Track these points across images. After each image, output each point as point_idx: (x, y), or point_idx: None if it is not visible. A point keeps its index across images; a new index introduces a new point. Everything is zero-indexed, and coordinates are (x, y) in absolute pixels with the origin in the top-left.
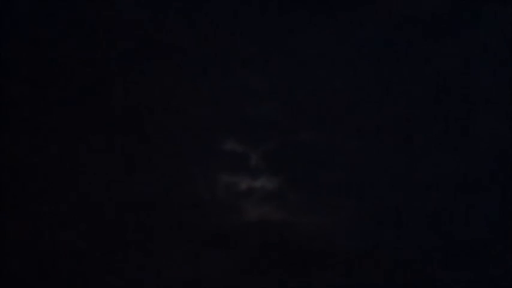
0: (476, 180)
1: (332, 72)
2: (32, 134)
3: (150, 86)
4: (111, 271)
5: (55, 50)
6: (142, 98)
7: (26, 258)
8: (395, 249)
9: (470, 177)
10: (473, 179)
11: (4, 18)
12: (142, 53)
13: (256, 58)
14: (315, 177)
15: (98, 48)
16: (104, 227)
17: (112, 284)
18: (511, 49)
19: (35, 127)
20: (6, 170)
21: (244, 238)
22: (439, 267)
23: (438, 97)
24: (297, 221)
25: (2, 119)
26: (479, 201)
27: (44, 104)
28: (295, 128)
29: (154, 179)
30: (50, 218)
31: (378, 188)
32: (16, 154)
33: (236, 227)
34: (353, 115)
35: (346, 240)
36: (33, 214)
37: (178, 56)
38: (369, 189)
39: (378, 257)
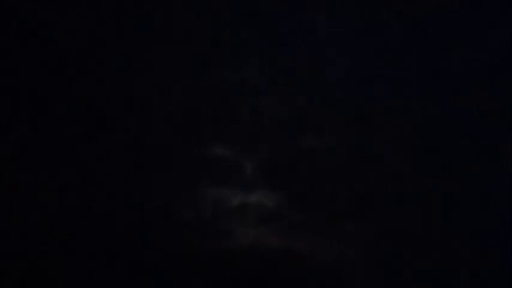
0: None
1: (340, 64)
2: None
3: (131, 81)
4: None
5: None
6: (122, 92)
7: None
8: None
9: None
10: None
11: None
12: (127, 46)
13: (253, 49)
14: (323, 193)
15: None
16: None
17: None
18: None
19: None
20: None
21: (233, 270)
22: None
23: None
24: (300, 248)
25: None
26: None
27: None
28: (299, 130)
29: (120, 192)
30: None
31: (403, 208)
32: None
33: (224, 255)
34: (365, 115)
35: (358, 277)
36: None
37: (167, 48)
38: (391, 210)
39: None
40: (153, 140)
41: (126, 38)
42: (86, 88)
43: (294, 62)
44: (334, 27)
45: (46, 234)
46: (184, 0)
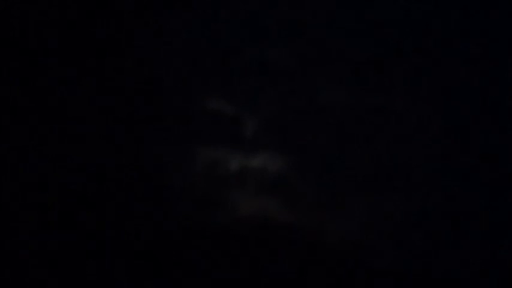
0: None
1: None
2: None
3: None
4: None
5: None
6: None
7: None
8: (442, 269)
9: None
10: None
11: None
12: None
13: None
14: (338, 158)
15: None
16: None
17: None
18: None
19: None
20: None
21: (231, 245)
22: None
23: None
24: (309, 222)
25: None
26: None
27: None
28: (312, 81)
29: (105, 152)
30: None
31: (427, 180)
32: None
33: (220, 228)
34: (383, 67)
35: (376, 255)
36: None
37: None
38: (415, 181)
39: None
40: (141, 91)
41: None
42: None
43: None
44: None
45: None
46: None
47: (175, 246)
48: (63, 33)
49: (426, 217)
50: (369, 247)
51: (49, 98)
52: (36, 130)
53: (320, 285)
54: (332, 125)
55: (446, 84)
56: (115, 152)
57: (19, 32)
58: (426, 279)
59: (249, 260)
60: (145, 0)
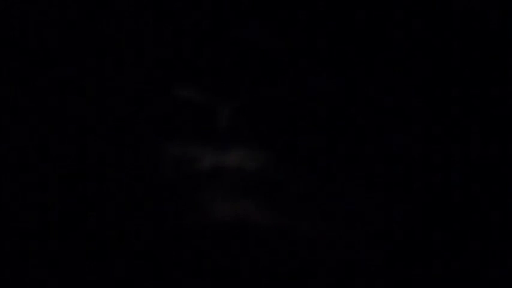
0: None
1: None
2: None
3: None
4: None
5: None
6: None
7: None
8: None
9: None
10: None
11: None
12: None
13: None
14: (321, 151)
15: None
16: None
17: None
18: None
19: None
20: None
21: (205, 255)
22: None
23: None
24: (293, 226)
25: None
26: None
27: None
28: (295, 64)
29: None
30: None
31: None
32: None
33: (191, 234)
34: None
35: (360, 260)
36: None
37: None
38: (410, 182)
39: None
40: (108, 78)
41: None
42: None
43: None
44: None
45: None
46: None
47: (143, 252)
48: (63, 33)
49: (420, 221)
50: (356, 253)
51: (48, 98)
52: (36, 130)
53: None
54: (319, 116)
55: (445, 81)
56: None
57: (19, 32)
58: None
59: (225, 267)
60: None
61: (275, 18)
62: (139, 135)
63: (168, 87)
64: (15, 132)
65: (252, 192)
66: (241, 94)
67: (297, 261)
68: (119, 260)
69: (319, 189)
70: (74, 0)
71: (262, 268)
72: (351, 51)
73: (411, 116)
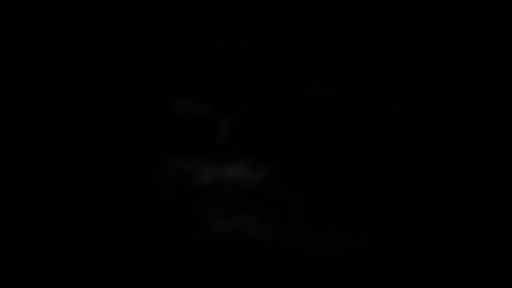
0: None
1: None
2: None
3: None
4: None
5: None
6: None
7: None
8: None
9: None
10: None
11: None
12: None
13: None
14: (327, 166)
15: None
16: None
17: None
18: None
19: None
20: None
21: (204, 271)
22: None
23: None
24: (295, 242)
25: None
26: None
27: None
28: (296, 76)
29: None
30: None
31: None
32: None
33: (190, 252)
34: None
35: (366, 279)
36: None
37: None
38: (418, 197)
39: None
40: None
41: None
42: None
43: None
44: None
45: None
46: None
47: (141, 267)
48: (62, 33)
49: (428, 240)
50: (359, 270)
51: (47, 98)
52: (36, 130)
53: None
54: (321, 129)
55: (446, 85)
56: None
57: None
58: None
59: (225, 283)
60: None
61: (273, 31)
62: (138, 148)
63: (167, 101)
64: (16, 133)
65: (251, 208)
66: (241, 108)
67: (296, 278)
68: (118, 274)
69: (319, 205)
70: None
71: (261, 284)
72: (348, 62)
73: (411, 124)
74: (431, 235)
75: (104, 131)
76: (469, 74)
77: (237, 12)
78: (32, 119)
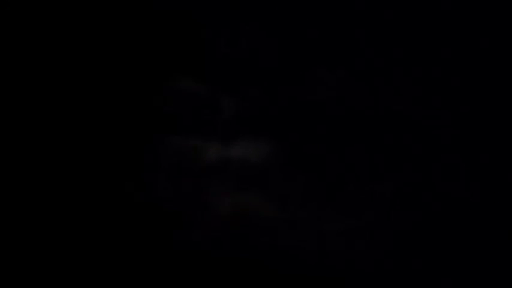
0: None
1: None
2: None
3: None
4: None
5: None
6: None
7: None
8: None
9: None
10: None
11: None
12: None
13: None
14: (330, 147)
15: None
16: None
17: None
18: None
19: None
20: None
21: (207, 246)
22: None
23: None
24: (297, 220)
25: None
26: None
27: None
28: (300, 59)
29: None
30: None
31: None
32: None
33: (195, 226)
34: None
35: (366, 265)
36: None
37: None
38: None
39: None
40: (110, 70)
41: None
42: None
43: None
44: None
45: None
46: None
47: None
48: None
49: (428, 240)
50: (361, 252)
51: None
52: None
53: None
54: (324, 110)
55: (444, 85)
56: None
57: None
58: None
59: (230, 261)
60: None
61: (273, 31)
62: (143, 127)
63: (173, 81)
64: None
65: (255, 185)
66: (245, 87)
67: (300, 253)
68: (124, 251)
69: (322, 182)
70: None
71: (265, 260)
72: (349, 61)
73: (417, 120)
74: (432, 235)
75: (104, 129)
76: (469, 74)
77: (237, 12)
78: (32, 118)
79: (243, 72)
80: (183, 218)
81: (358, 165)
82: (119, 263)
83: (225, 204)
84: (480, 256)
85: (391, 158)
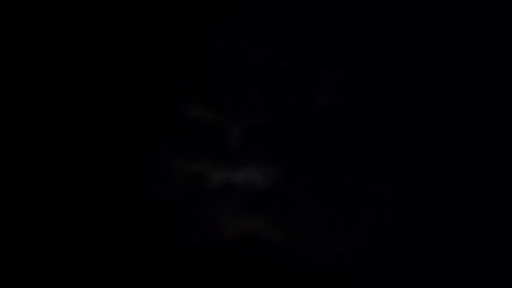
0: None
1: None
2: None
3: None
4: None
5: None
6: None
7: None
8: None
9: None
10: None
11: None
12: None
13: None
14: (336, 169)
15: None
16: None
17: None
18: None
19: None
20: None
21: (216, 269)
22: None
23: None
24: (301, 243)
25: None
26: None
27: None
28: (304, 84)
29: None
30: None
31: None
32: None
33: (203, 249)
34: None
35: (372, 280)
36: None
37: None
38: (420, 200)
39: None
40: (115, 95)
41: None
42: None
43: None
44: None
45: None
46: None
47: (155, 265)
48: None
49: (428, 240)
50: (364, 272)
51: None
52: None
53: None
54: (327, 132)
55: (448, 87)
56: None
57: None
58: None
59: (235, 283)
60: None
61: (281, 37)
62: (152, 152)
63: (181, 107)
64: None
65: (260, 209)
66: (252, 114)
67: (303, 278)
68: (127, 272)
69: (328, 207)
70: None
71: (269, 284)
72: (349, 62)
73: (417, 120)
74: (432, 235)
75: (106, 132)
76: (469, 74)
77: (237, 13)
78: (32, 118)
79: (243, 72)
80: (183, 218)
81: (358, 166)
82: (119, 262)
83: (231, 227)
84: (480, 256)
85: (391, 158)
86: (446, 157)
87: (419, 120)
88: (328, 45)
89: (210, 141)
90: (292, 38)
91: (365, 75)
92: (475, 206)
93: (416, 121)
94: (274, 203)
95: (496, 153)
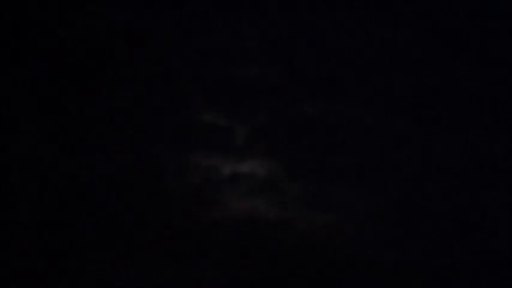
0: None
1: (340, 25)
2: None
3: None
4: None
5: None
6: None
7: None
8: (421, 260)
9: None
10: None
11: None
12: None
13: (246, 7)
14: (320, 161)
15: None
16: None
17: None
18: None
19: None
20: None
21: (225, 243)
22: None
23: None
24: (296, 219)
25: None
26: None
27: None
28: (295, 95)
29: (106, 159)
30: None
31: (401, 176)
32: None
33: (215, 227)
34: (367, 81)
35: (361, 247)
36: None
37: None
38: (390, 178)
39: (402, 270)
40: (139, 103)
41: None
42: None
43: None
44: None
45: None
46: None
47: (175, 239)
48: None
49: (406, 212)
50: (352, 239)
51: (54, 103)
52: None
53: (308, 277)
54: (317, 132)
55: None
56: (122, 162)
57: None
58: (407, 269)
59: (241, 254)
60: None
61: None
62: (176, 149)
63: (193, 111)
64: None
65: (262, 194)
66: (253, 118)
67: (298, 249)
68: (147, 247)
69: (320, 191)
70: None
71: (270, 254)
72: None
73: (417, 120)
74: (432, 235)
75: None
76: (469, 73)
77: (237, 13)
78: (31, 116)
79: (246, 85)
80: (201, 199)
81: (358, 166)
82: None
83: (238, 208)
84: (481, 256)
85: (391, 157)
86: (446, 157)
87: (418, 120)
88: (328, 49)
89: (220, 140)
90: (286, 55)
91: (365, 75)
92: (475, 205)
93: (415, 121)
94: (273, 188)
95: (496, 153)
